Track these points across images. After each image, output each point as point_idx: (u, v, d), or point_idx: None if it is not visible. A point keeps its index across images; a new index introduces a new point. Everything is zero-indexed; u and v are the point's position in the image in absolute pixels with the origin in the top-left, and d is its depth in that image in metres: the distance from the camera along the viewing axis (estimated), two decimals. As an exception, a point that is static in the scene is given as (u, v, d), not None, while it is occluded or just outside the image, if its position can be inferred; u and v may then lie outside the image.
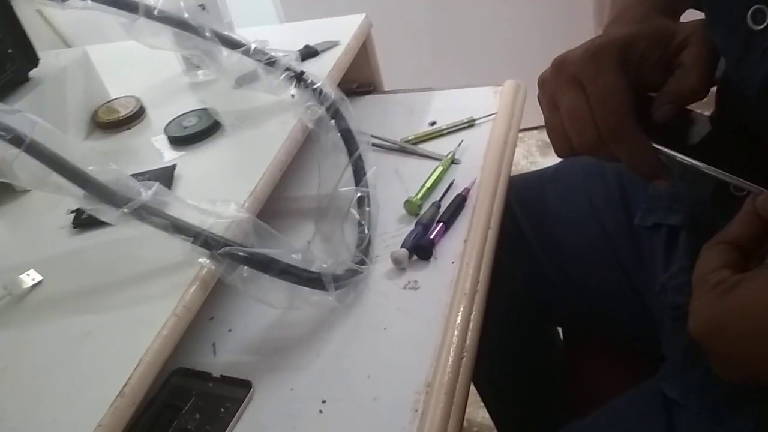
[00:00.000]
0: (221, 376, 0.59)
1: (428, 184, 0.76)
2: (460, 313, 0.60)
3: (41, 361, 0.51)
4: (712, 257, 0.41)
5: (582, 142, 0.49)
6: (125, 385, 0.46)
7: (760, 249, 0.41)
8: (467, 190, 0.73)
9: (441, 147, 0.83)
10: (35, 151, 0.54)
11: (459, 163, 0.80)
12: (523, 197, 0.82)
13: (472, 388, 0.95)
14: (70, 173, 0.55)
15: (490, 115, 0.85)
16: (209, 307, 0.66)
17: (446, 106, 0.92)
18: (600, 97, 0.47)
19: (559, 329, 0.96)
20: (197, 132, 0.75)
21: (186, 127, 0.76)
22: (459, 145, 0.82)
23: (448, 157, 0.79)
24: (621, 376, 0.75)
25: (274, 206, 0.71)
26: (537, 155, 2.11)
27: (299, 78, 0.76)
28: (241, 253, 0.55)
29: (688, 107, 0.52)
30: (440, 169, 0.78)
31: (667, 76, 0.50)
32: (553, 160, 0.68)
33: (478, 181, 0.74)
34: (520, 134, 0.84)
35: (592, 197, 0.77)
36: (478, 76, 0.99)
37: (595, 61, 0.48)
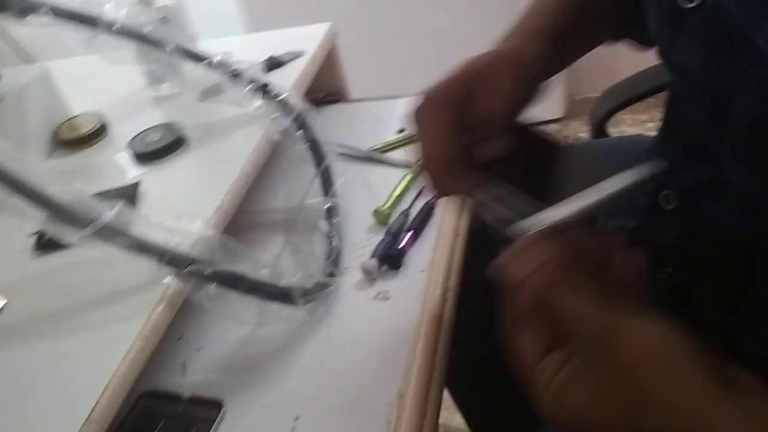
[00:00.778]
0: (191, 397, 0.59)
1: (397, 193, 0.76)
2: (429, 322, 0.60)
3: (4, 387, 0.50)
4: (525, 345, 0.39)
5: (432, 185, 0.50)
6: (92, 411, 0.45)
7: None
8: (436, 197, 0.73)
9: (410, 155, 0.83)
10: (-7, 173, 0.53)
11: (427, 170, 0.80)
12: None
13: (447, 394, 0.95)
14: (30, 195, 0.53)
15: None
16: (177, 327, 0.65)
17: (413, 113, 0.92)
18: (427, 149, 0.49)
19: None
20: (161, 147, 0.74)
21: (150, 143, 0.75)
22: (426, 152, 0.82)
23: (417, 164, 0.79)
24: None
25: (241, 220, 0.70)
26: (506, 158, 2.12)
27: (264, 90, 0.76)
28: (208, 271, 0.55)
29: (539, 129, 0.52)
30: (409, 176, 0.78)
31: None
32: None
33: (446, 188, 0.75)
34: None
35: None
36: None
37: (425, 109, 0.49)
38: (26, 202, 0.54)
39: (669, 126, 0.56)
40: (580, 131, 2.10)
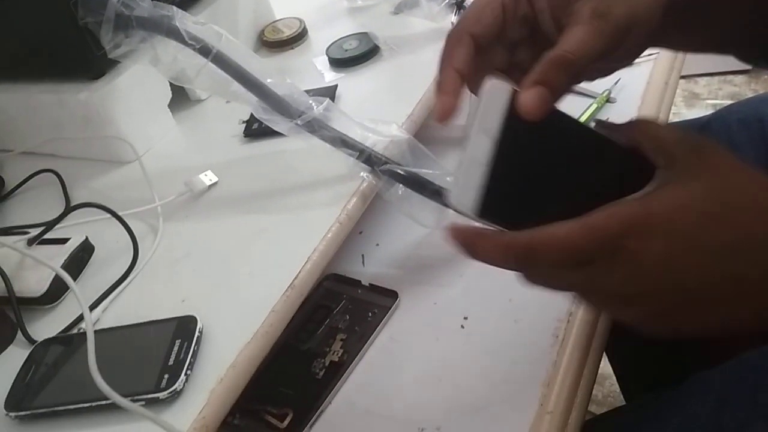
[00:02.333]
0: (370, 284, 0.64)
1: (581, 121, 0.75)
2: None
3: (220, 251, 0.57)
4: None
5: None
6: (295, 279, 0.51)
7: None
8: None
9: (596, 84, 0.81)
10: (221, 61, 0.59)
11: (614, 102, 0.78)
12: None
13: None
14: (250, 84, 0.59)
15: (651, 54, 0.82)
16: (358, 222, 0.70)
17: (603, 43, 0.89)
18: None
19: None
20: (357, 55, 0.78)
21: (347, 50, 0.79)
22: (616, 83, 0.79)
23: (603, 95, 0.78)
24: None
25: (421, 132, 0.73)
26: (682, 106, 1.99)
27: (459, 6, 0.77)
28: (400, 172, 0.58)
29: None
30: (594, 106, 0.76)
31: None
32: (699, 112, 0.65)
33: (634, 121, 0.73)
34: (669, 81, 0.80)
35: (746, 152, 0.74)
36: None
37: None
38: (245, 89, 0.60)
39: None
40: (772, 85, 1.92)
